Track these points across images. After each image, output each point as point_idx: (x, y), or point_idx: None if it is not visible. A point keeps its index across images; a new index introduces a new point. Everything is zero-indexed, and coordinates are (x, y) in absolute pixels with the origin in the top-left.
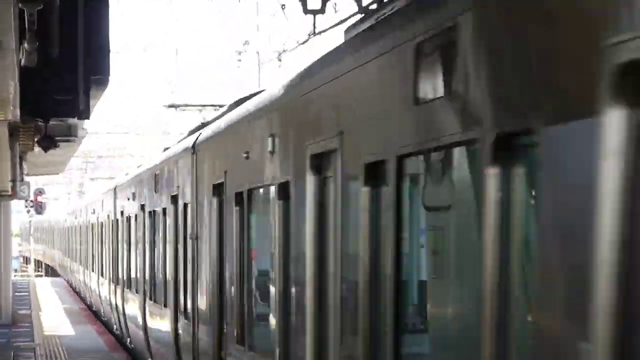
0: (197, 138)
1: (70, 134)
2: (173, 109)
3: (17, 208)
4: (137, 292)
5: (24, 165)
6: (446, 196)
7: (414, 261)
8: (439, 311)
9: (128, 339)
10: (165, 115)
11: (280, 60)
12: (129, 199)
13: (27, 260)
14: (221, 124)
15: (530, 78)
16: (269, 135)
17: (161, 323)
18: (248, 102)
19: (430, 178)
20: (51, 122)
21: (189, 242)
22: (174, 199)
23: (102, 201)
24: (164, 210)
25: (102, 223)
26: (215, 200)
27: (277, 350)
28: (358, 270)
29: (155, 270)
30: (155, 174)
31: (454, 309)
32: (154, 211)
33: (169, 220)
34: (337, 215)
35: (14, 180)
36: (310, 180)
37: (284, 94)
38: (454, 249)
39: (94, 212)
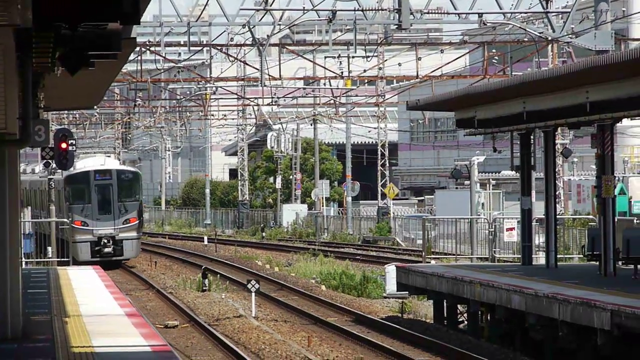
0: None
1: (110, 47)
2: None
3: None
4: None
5: (40, 95)
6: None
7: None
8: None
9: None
10: None
11: None
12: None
13: (46, 239)
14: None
15: None
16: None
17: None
18: None
19: None
20: (81, 29)
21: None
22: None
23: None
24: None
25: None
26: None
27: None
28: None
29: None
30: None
31: None
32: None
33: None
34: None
35: (24, 118)
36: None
37: None
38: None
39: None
